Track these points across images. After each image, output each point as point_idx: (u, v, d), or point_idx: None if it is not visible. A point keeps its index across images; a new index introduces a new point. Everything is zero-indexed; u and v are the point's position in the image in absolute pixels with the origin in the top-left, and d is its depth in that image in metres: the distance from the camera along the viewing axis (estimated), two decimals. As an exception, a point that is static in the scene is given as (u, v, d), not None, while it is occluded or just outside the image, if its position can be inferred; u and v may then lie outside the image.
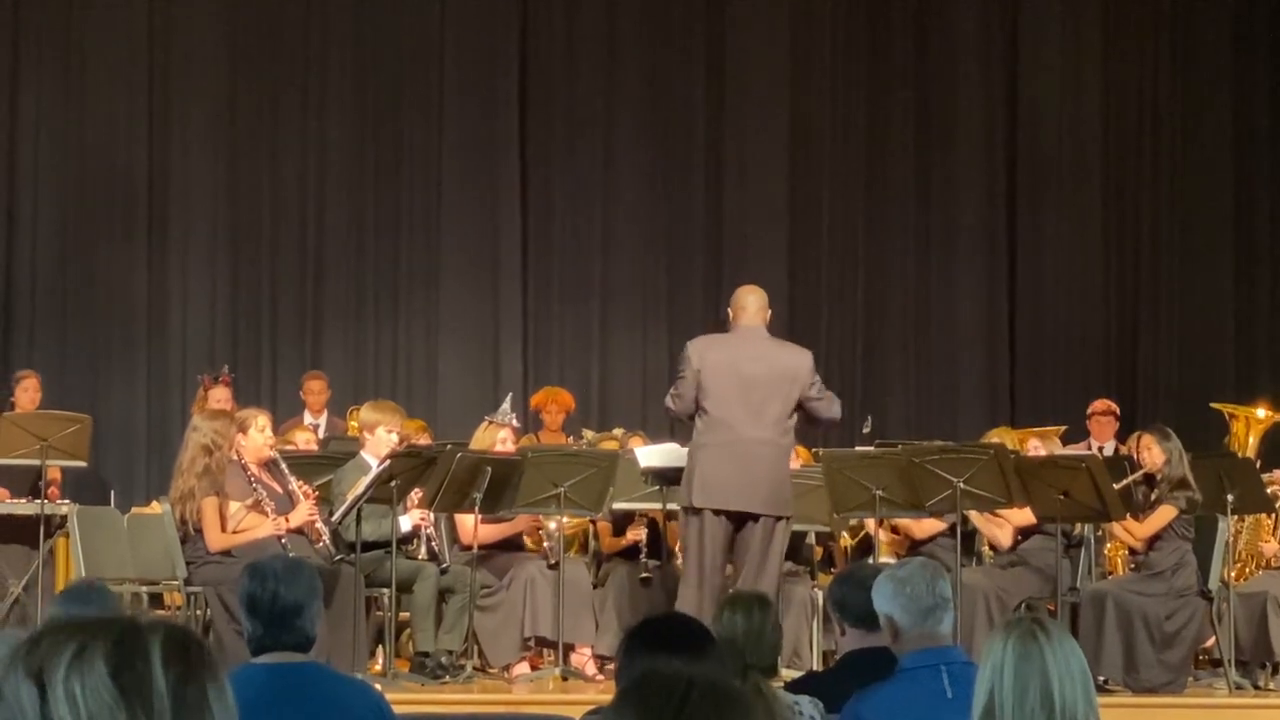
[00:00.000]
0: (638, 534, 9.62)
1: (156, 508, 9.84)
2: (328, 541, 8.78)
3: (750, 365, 8.43)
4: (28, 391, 11.83)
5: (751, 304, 8.57)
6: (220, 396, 11.60)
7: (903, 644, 4.43)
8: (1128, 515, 9.16)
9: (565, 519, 9.27)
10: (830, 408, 8.61)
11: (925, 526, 9.59)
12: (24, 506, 10.53)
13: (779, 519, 8.43)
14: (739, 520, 8.40)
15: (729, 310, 8.74)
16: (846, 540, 10.32)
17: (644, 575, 9.38)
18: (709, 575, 8.38)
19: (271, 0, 14.29)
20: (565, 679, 9.00)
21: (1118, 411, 12.44)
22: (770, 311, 8.67)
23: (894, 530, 9.85)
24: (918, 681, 4.30)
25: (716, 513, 8.37)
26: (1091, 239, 14.88)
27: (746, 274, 14.16)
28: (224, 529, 8.58)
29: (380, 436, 9.18)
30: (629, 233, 14.59)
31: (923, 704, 4.24)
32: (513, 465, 8.99)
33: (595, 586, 9.51)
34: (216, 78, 14.11)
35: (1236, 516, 9.66)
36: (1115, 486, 8.95)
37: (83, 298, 13.83)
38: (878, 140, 14.84)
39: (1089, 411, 12.46)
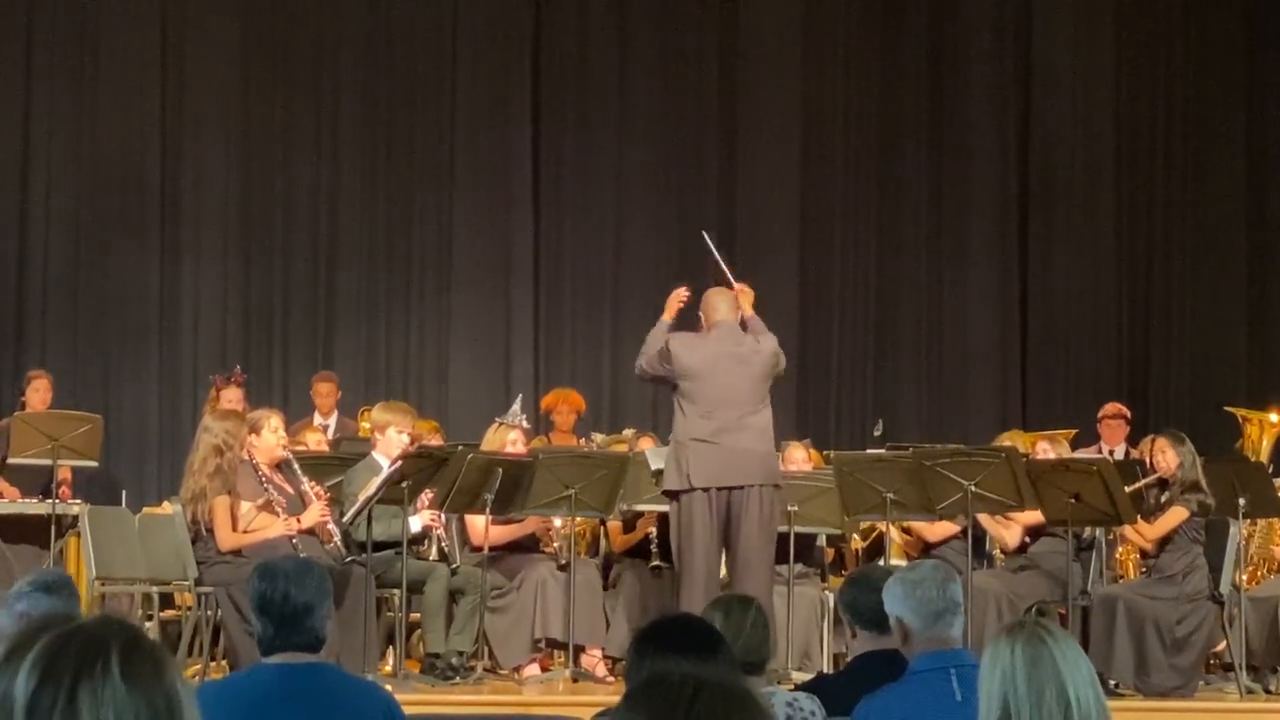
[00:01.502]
0: (648, 528, 9.61)
1: (167, 508, 9.83)
2: (338, 542, 8.79)
3: (739, 360, 8.70)
4: (39, 391, 11.83)
5: (723, 304, 8.91)
6: (232, 397, 11.61)
7: (913, 646, 4.43)
8: (1138, 519, 9.15)
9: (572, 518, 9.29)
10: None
11: (938, 530, 9.60)
12: (35, 506, 10.55)
13: (773, 486, 8.66)
14: (730, 496, 8.54)
15: (700, 314, 8.96)
16: (857, 542, 10.31)
17: (654, 564, 9.38)
18: (708, 568, 8.51)
19: (285, 3, 14.30)
20: (576, 680, 9.00)
21: (1128, 415, 12.43)
22: (740, 310, 8.94)
23: (907, 532, 9.85)
24: (927, 684, 4.29)
25: (707, 494, 8.50)
26: (1104, 241, 14.86)
27: (759, 278, 14.14)
28: (235, 529, 8.59)
29: (391, 437, 9.18)
30: (641, 235, 14.58)
31: (932, 707, 4.24)
32: (524, 466, 8.98)
33: (606, 588, 9.51)
34: (229, 79, 14.12)
35: (1248, 520, 9.65)
36: (1127, 490, 8.94)
37: (95, 298, 13.84)
38: (891, 147, 14.83)
39: (1099, 415, 12.45)
